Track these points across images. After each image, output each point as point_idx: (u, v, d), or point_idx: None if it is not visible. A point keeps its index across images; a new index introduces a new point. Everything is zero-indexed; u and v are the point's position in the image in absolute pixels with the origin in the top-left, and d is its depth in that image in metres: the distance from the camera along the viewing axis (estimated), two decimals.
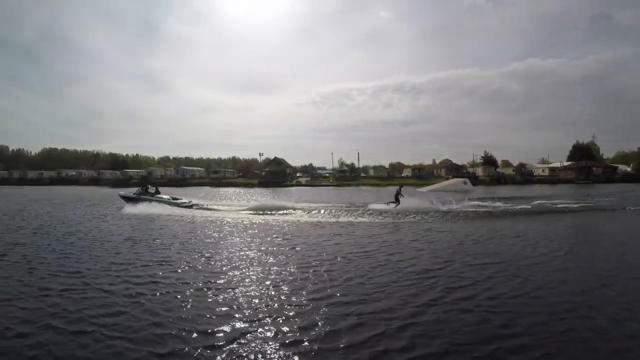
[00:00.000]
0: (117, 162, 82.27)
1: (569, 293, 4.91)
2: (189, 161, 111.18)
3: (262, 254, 7.66)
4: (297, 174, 78.01)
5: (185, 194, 26.13)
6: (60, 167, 79.90)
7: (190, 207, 18.50)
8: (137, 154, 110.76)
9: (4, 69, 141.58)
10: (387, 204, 17.02)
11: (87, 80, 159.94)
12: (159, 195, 19.42)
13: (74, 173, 78.30)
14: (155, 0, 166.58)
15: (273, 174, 65.02)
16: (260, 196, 30.56)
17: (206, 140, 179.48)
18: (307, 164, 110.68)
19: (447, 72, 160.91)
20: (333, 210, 16.13)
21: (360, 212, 15.25)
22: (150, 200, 18.79)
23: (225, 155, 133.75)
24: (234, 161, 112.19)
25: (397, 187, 18.18)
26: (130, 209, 17.33)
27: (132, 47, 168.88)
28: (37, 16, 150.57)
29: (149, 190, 20.28)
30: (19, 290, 5.30)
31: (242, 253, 7.77)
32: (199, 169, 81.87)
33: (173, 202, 18.68)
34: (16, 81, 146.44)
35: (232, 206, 20.29)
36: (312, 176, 71.62)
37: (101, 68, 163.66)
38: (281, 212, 16.19)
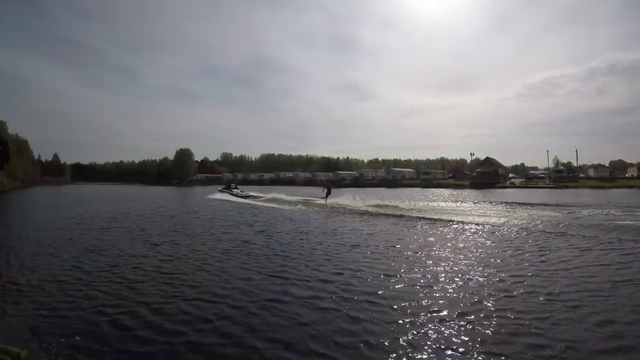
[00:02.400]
0: (330, 164, 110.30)
1: None
2: (397, 162, 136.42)
3: (475, 267, 8.20)
4: (510, 175, 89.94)
5: (392, 195, 38.02)
6: (278, 170, 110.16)
7: (246, 197, 33.55)
8: (348, 157, 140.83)
9: (220, 92, 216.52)
10: (323, 198, 25.94)
11: (295, 94, 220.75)
12: (234, 189, 38.78)
13: (291, 175, 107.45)
14: (344, 16, 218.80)
15: (485, 175, 73.87)
16: (473, 198, 34.12)
17: (412, 142, 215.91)
18: (517, 164, 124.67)
19: None
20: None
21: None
22: (225, 192, 38.21)
23: (432, 156, 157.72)
24: (442, 162, 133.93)
25: (327, 185, 27.82)
26: (212, 195, 37.21)
27: (331, 61, 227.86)
28: (242, 45, 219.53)
29: (230, 186, 41.04)
30: (243, 291, 6.79)
31: (446, 267, 8.39)
32: (409, 170, 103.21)
33: (237, 194, 36.27)
34: (231, 101, 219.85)
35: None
36: (526, 177, 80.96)
37: (307, 83, 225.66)
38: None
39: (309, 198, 29.47)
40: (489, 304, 5.95)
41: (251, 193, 37.00)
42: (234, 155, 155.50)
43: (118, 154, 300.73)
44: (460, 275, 7.80)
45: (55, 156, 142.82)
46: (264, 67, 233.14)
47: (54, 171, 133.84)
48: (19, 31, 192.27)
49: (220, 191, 39.70)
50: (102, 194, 49.10)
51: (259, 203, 28.63)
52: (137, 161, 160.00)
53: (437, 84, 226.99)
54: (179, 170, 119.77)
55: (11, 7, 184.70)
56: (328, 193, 26.31)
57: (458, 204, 26.62)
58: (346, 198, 26.03)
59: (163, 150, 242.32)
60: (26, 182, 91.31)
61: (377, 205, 23.07)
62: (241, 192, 37.65)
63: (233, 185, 42.89)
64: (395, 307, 5.96)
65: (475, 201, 29.65)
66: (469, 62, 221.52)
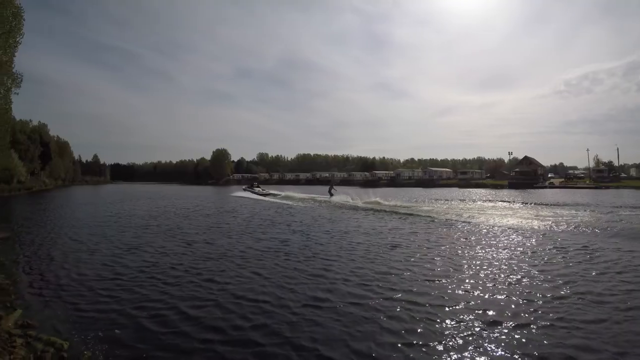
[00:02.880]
0: (365, 164, 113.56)
1: None
2: (433, 162, 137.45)
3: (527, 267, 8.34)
4: (549, 175, 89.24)
5: (429, 196, 41.68)
6: (314, 170, 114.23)
7: (265, 195, 39.32)
8: (384, 157, 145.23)
9: (255, 94, 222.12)
10: (329, 196, 31.50)
11: (330, 95, 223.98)
12: (256, 188, 44.52)
13: (327, 175, 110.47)
14: (376, 15, 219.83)
15: (523, 175, 73.15)
16: (513, 198, 34.15)
17: (449, 141, 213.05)
18: (556, 164, 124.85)
19: None
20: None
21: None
22: (248, 190, 43.68)
23: (469, 155, 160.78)
24: (479, 162, 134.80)
25: (332, 184, 35.68)
26: (236, 193, 43.54)
27: (365, 60, 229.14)
28: (275, 47, 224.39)
29: (253, 185, 46.99)
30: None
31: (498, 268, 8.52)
32: (446, 170, 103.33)
33: (258, 192, 41.57)
34: (266, 102, 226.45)
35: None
36: (566, 177, 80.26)
37: (341, 83, 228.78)
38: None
39: (315, 196, 34.44)
40: (539, 309, 5.97)
41: (271, 191, 43.10)
42: (270, 156, 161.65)
43: (156, 154, 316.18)
44: (506, 277, 7.86)
45: (95, 157, 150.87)
46: (298, 68, 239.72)
47: (94, 171, 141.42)
48: (59, 39, 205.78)
49: (244, 189, 46.15)
50: (140, 193, 52.75)
51: (277, 200, 33.75)
52: (174, 161, 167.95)
53: (473, 81, 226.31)
54: (216, 171, 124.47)
55: (51, 16, 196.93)
56: (332, 188, 33.12)
57: (497, 204, 27.85)
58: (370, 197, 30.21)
59: (200, 150, 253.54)
60: (67, 181, 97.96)
61: (405, 206, 23.88)
62: (262, 190, 43.70)
63: (255, 184, 50.39)
64: (439, 310, 6.01)
65: (515, 202, 29.97)
66: (504, 59, 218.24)
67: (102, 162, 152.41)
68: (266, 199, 35.95)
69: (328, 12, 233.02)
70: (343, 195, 31.62)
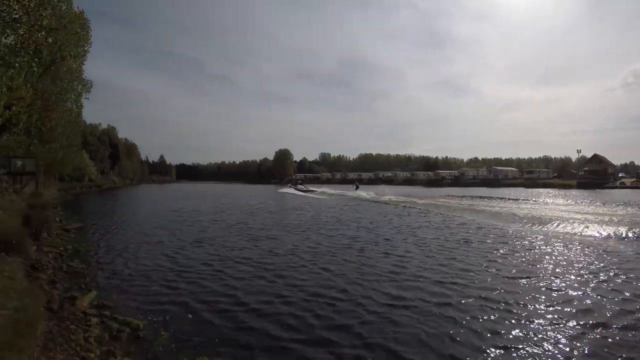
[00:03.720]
0: (428, 163, 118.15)
1: None
2: (497, 161, 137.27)
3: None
4: (620, 174, 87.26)
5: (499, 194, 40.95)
6: (376, 170, 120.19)
7: (307, 191, 48.52)
8: (447, 156, 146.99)
9: (315, 96, 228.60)
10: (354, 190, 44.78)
11: (390, 94, 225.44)
12: (299, 186, 58.15)
13: (390, 174, 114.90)
14: (434, 11, 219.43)
15: (593, 174, 71.91)
16: (584, 200, 32.38)
17: (513, 139, 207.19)
18: (626, 162, 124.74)
19: None
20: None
21: None
22: (292, 187, 57.08)
23: (535, 154, 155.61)
24: (545, 160, 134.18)
25: (356, 183, 56.90)
26: (282, 190, 57.04)
27: (425, 58, 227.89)
28: (334, 48, 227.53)
29: (297, 183, 63.34)
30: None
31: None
32: (512, 169, 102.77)
33: (300, 189, 52.59)
34: (327, 104, 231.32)
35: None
36: (637, 176, 76.83)
37: (401, 82, 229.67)
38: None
39: (345, 191, 42.89)
40: (624, 315, 5.77)
41: (310, 188, 53.38)
42: (332, 156, 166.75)
43: (220, 155, 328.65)
44: (588, 276, 7.69)
45: (162, 157, 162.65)
46: (358, 68, 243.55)
47: (160, 171, 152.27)
48: (129, 50, 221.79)
49: (289, 187, 57.81)
50: (205, 191, 56.86)
51: (314, 196, 42.07)
52: (237, 162, 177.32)
53: (536, 75, 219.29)
54: (278, 170, 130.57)
55: (121, 30, 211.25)
56: (357, 188, 45.50)
57: (566, 201, 28.49)
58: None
59: (263, 151, 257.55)
60: (135, 180, 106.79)
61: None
62: (304, 187, 54.75)
63: (299, 182, 64.51)
64: (523, 310, 5.90)
65: (585, 202, 29.60)
66: (568, 50, 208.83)
67: (168, 162, 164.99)
68: (306, 194, 45.48)
69: (386, 9, 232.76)
70: (365, 191, 42.38)
